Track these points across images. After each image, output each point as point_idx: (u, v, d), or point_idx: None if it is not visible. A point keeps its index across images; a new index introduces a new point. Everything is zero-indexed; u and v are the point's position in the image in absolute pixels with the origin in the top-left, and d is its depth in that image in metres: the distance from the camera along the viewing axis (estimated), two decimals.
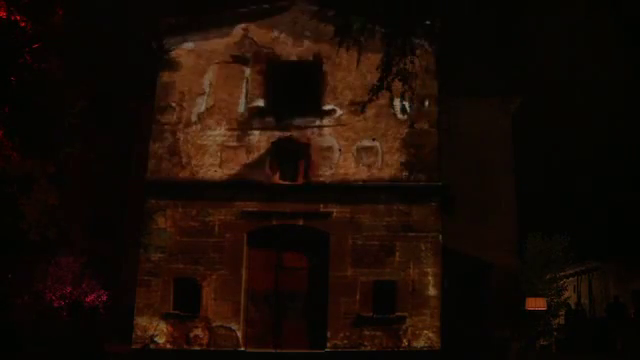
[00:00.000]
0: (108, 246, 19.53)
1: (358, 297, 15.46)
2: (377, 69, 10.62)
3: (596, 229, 30.40)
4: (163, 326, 15.43)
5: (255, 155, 16.28)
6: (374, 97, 10.66)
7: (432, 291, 15.40)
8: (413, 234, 15.71)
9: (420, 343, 15.14)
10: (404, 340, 15.18)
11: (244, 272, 15.81)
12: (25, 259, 14.48)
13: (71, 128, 13.85)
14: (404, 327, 15.25)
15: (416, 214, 15.83)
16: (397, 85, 10.51)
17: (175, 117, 16.59)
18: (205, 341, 15.32)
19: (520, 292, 20.03)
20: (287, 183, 16.13)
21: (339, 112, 16.50)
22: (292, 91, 16.69)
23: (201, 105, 16.67)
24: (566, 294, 23.85)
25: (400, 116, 16.40)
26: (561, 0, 9.70)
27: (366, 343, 15.21)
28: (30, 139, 13.33)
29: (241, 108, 16.62)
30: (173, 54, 16.84)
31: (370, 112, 15.95)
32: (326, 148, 16.29)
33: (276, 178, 16.16)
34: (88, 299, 16.54)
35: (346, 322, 15.32)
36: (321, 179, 16.12)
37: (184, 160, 16.35)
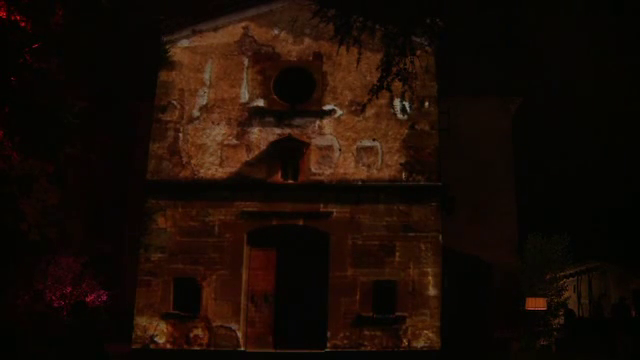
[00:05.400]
0: (108, 246, 19.53)
1: (358, 297, 15.46)
2: (377, 69, 10.62)
3: (596, 229, 30.42)
4: (163, 326, 15.43)
5: (255, 154, 16.30)
6: (374, 97, 10.65)
7: (432, 291, 15.40)
8: (413, 234, 15.71)
9: (420, 343, 15.14)
10: (404, 340, 15.19)
11: (244, 272, 15.81)
12: (25, 259, 14.47)
13: (71, 128, 13.82)
14: (404, 327, 15.25)
15: (416, 214, 15.83)
16: (397, 85, 10.51)
17: (175, 116, 16.61)
18: (205, 341, 15.32)
19: (520, 292, 20.04)
20: (287, 182, 16.13)
21: (339, 112, 16.50)
22: (292, 90, 16.70)
23: (201, 104, 16.68)
24: (566, 294, 23.87)
25: (400, 116, 16.41)
26: (561, 0, 9.70)
27: (366, 343, 15.21)
28: (30, 139, 13.31)
29: (241, 107, 16.63)
30: (173, 53, 16.84)
31: (370, 112, 15.98)
32: (326, 148, 16.30)
33: (276, 177, 16.17)
34: (88, 299, 16.54)
35: (346, 322, 15.32)
36: (321, 179, 16.12)
37: (184, 159, 16.36)
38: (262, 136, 16.40)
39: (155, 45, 16.93)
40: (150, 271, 15.66)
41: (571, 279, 28.91)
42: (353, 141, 16.33)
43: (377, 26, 10.18)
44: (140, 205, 16.39)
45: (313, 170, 16.18)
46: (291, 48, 16.98)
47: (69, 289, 16.57)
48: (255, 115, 16.55)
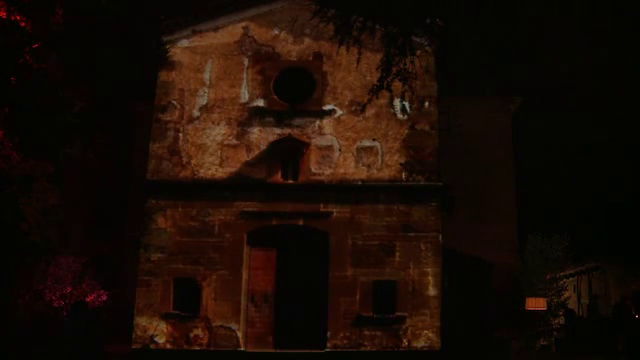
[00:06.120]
0: (108, 246, 19.53)
1: (358, 297, 15.45)
2: (377, 69, 10.61)
3: (596, 229, 30.43)
4: (163, 326, 15.42)
5: (255, 154, 16.29)
6: (374, 97, 10.64)
7: (432, 291, 15.40)
8: (413, 234, 15.71)
9: (420, 343, 15.14)
10: (404, 340, 15.19)
11: (244, 272, 15.81)
12: (25, 259, 14.48)
13: (71, 128, 13.83)
14: (404, 327, 15.25)
15: (416, 214, 15.82)
16: (397, 85, 10.51)
17: (175, 116, 16.60)
18: (205, 341, 15.32)
19: (520, 292, 20.04)
20: (287, 182, 16.13)
21: (339, 112, 16.50)
22: (292, 90, 16.69)
23: (201, 104, 16.67)
24: (566, 294, 23.88)
25: (400, 116, 16.41)
26: (561, 0, 9.70)
27: (366, 343, 15.21)
28: (30, 139, 13.32)
29: (241, 107, 16.62)
30: (173, 53, 16.85)
31: (370, 112, 15.97)
32: (326, 148, 16.29)
33: (276, 178, 16.16)
34: (88, 299, 16.54)
35: (346, 322, 15.32)
36: (321, 179, 16.12)
37: (184, 159, 16.36)
38: (262, 136, 16.39)
39: (155, 45, 16.92)
40: (150, 271, 15.66)
41: (571, 279, 28.94)
42: (353, 141, 16.32)
43: (377, 26, 10.18)
44: (140, 205, 16.39)
45: (313, 170, 16.18)
46: (291, 48, 16.98)
47: (69, 289, 16.57)
48: (255, 115, 16.55)
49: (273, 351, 15.43)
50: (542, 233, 21.92)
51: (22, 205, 13.30)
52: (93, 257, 17.81)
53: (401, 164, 16.15)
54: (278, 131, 16.38)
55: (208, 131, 16.50)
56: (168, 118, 16.61)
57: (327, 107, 16.52)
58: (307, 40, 16.87)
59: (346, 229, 15.77)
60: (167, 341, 15.35)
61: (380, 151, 16.24)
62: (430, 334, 15.16)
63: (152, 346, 15.28)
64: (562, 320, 22.96)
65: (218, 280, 15.61)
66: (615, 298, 25.42)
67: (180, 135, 16.51)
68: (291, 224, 15.96)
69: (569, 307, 24.71)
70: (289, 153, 16.19)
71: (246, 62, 16.93)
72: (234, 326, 15.45)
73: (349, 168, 16.16)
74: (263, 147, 16.31)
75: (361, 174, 16.12)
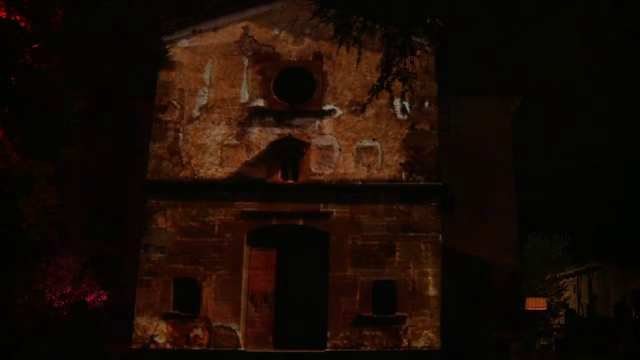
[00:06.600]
0: (108, 246, 19.54)
1: (358, 297, 15.46)
2: (377, 69, 10.61)
3: (596, 229, 30.43)
4: (163, 326, 15.42)
5: (255, 154, 16.29)
6: (374, 97, 10.64)
7: (432, 291, 15.40)
8: (413, 234, 15.71)
9: (420, 343, 15.14)
10: (404, 340, 15.19)
11: (244, 272, 15.81)
12: (25, 259, 14.48)
13: (71, 128, 13.85)
14: (404, 327, 15.25)
15: (416, 214, 15.82)
16: (397, 85, 10.51)
17: (175, 116, 16.60)
18: (205, 341, 15.32)
19: (520, 292, 20.05)
20: (287, 182, 16.13)
21: (339, 112, 16.50)
22: (292, 90, 16.69)
23: (201, 104, 16.68)
24: (566, 294, 23.90)
25: (400, 116, 16.41)
26: (561, 0, 9.70)
27: (366, 343, 15.21)
28: (30, 139, 13.34)
29: (241, 107, 16.62)
30: (173, 53, 16.85)
31: (370, 112, 15.97)
32: (326, 148, 16.29)
33: (276, 178, 16.17)
34: (88, 299, 16.55)
35: (346, 322, 15.32)
36: (321, 179, 16.12)
37: (184, 159, 16.36)
38: (262, 136, 16.40)
39: (155, 45, 16.92)
40: (150, 271, 15.66)
41: (571, 279, 28.95)
42: (353, 141, 16.33)
43: (377, 26, 10.18)
44: (140, 205, 16.39)
45: (313, 170, 16.18)
46: (291, 48, 16.98)
47: (69, 289, 16.58)
48: (255, 115, 16.55)
49: (273, 351, 15.43)
50: (542, 233, 21.95)
51: (22, 205, 13.31)
52: (93, 257, 17.82)
53: (401, 164, 16.15)
54: (278, 131, 16.38)
55: (208, 131, 16.50)
56: (168, 118, 16.61)
57: (327, 107, 16.52)
58: (307, 40, 16.87)
59: (346, 229, 15.77)
60: (167, 341, 15.35)
61: (380, 151, 16.24)
62: (430, 334, 15.16)
63: (152, 346, 15.27)
64: (562, 320, 22.97)
65: (218, 280, 15.61)
66: (615, 298, 25.44)
67: (180, 135, 16.51)
68: (291, 224, 15.96)
69: (570, 307, 24.73)
70: (289, 153, 16.19)
71: (246, 62, 16.93)
72: (234, 326, 15.45)
73: (349, 168, 16.16)
74: (263, 147, 16.31)
75: (361, 174, 16.12)
